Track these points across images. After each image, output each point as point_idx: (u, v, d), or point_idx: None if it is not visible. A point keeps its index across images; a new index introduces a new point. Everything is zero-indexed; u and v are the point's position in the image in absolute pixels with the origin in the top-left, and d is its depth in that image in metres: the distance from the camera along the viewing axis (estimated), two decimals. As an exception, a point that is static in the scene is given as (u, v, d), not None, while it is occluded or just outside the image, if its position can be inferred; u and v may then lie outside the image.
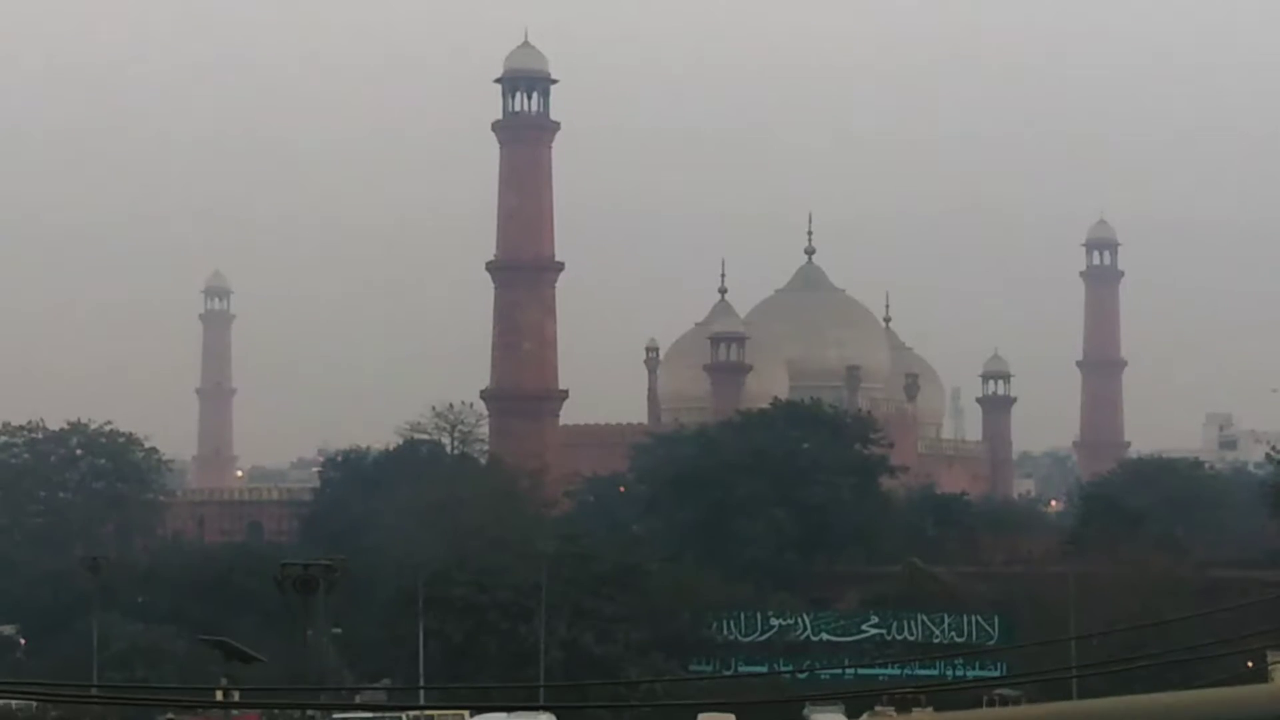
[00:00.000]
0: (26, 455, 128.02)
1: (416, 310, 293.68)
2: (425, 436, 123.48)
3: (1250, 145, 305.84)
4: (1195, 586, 74.61)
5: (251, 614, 78.36)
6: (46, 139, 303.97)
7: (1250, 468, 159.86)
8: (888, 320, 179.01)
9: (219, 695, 48.42)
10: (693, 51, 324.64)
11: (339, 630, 78.96)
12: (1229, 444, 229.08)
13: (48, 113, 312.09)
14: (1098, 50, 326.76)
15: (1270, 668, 51.53)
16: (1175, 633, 53.30)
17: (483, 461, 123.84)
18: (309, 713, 60.24)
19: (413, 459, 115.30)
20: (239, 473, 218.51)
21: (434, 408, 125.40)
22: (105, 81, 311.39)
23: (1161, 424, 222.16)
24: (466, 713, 64.32)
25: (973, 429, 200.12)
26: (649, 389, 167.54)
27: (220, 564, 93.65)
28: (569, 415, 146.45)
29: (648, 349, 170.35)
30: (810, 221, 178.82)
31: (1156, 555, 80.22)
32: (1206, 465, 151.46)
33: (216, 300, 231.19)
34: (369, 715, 67.33)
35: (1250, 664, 54.60)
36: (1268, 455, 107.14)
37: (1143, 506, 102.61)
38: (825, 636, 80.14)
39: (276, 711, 66.47)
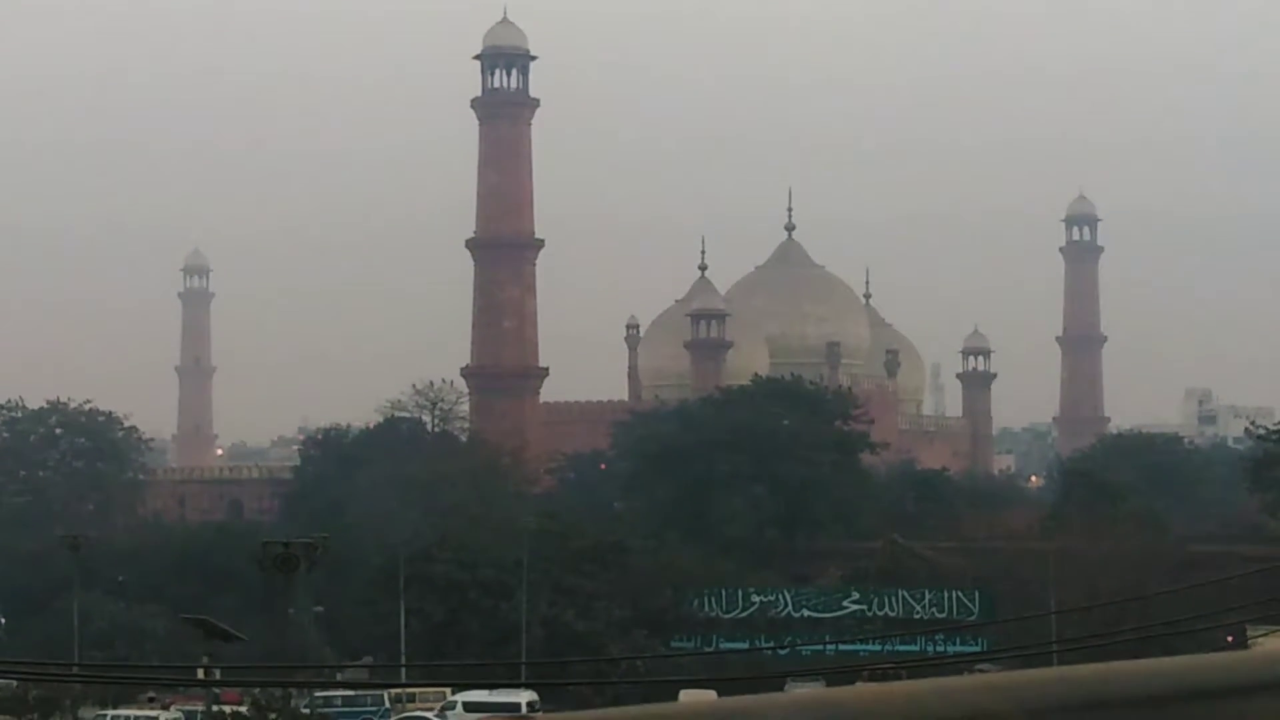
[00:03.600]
0: (6, 435, 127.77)
1: (396, 288, 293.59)
2: (406, 414, 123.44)
3: (1231, 124, 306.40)
4: (1175, 561, 74.76)
5: (233, 593, 78.34)
6: (28, 125, 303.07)
7: (1230, 442, 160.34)
8: (868, 296, 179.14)
9: (200, 674, 48.36)
10: (673, 28, 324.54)
11: (320, 609, 78.99)
12: (1208, 419, 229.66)
13: (31, 102, 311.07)
14: (1079, 31, 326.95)
15: (1249, 642, 51.71)
16: (1155, 607, 53.37)
17: (463, 439, 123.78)
18: (290, 691, 60.25)
19: (393, 437, 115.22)
20: (219, 451, 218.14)
21: (414, 385, 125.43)
22: (88, 70, 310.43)
23: (1141, 399, 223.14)
24: (448, 690, 64.38)
25: (953, 405, 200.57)
26: (629, 366, 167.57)
27: (201, 543, 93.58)
28: (550, 393, 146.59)
29: (628, 326, 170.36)
30: (790, 198, 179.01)
31: (1136, 530, 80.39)
32: (1186, 440, 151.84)
33: (195, 278, 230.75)
34: (350, 693, 67.41)
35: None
36: (1247, 430, 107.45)
37: (1122, 482, 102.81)
38: (806, 613, 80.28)
39: (258, 690, 66.45)
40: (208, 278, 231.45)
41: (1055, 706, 1.17)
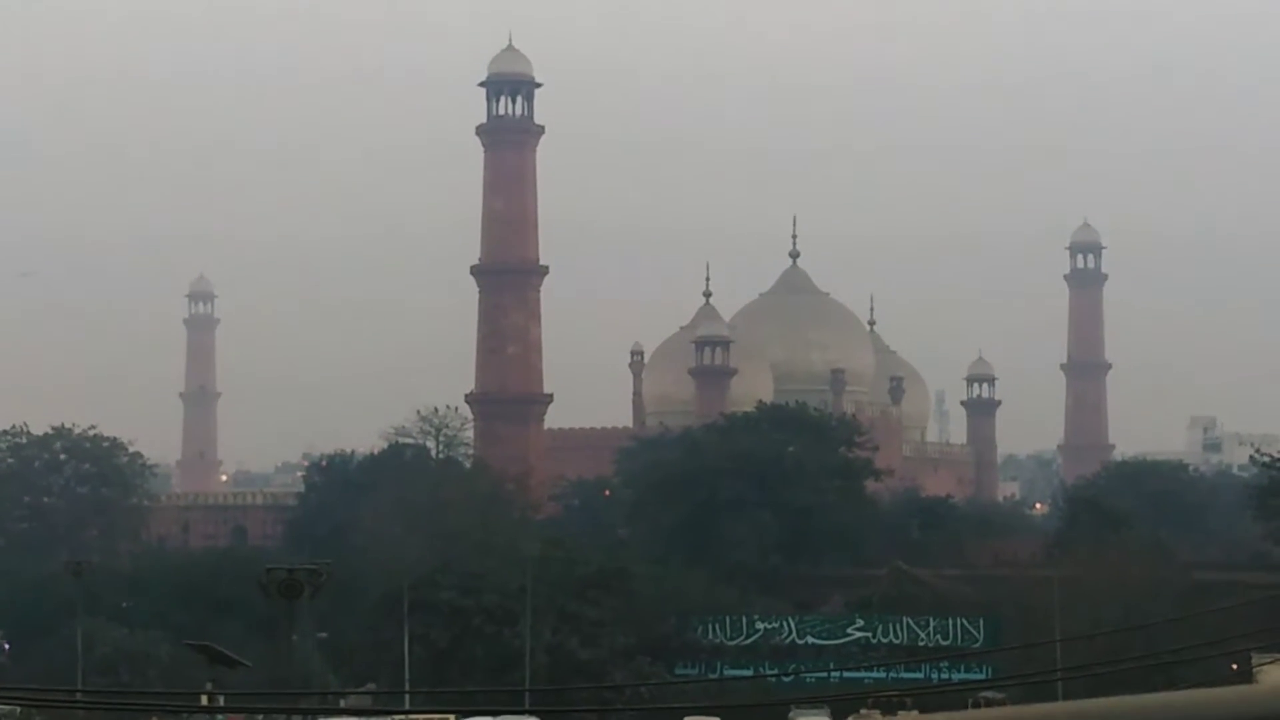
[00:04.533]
0: (10, 460, 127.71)
1: (401, 314, 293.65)
2: (410, 440, 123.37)
3: (1235, 151, 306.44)
4: (1180, 589, 74.64)
5: (236, 619, 78.24)
6: (30, 144, 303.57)
7: (1234, 470, 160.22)
8: (872, 324, 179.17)
9: (204, 700, 48.30)
10: (678, 55, 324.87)
11: (324, 635, 78.83)
12: (1213, 446, 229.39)
13: (31, 118, 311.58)
14: (1083, 57, 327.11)
15: (1255, 670, 51.60)
16: (1160, 635, 53.36)
17: (468, 465, 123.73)
18: (294, 718, 60.14)
19: (397, 463, 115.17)
20: (223, 477, 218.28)
21: (419, 411, 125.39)
22: (90, 87, 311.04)
23: (1146, 427, 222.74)
24: (452, 717, 64.24)
25: (957, 432, 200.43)
26: (634, 392, 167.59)
27: (205, 568, 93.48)
28: (554, 419, 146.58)
29: (632, 352, 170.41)
30: (795, 225, 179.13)
31: (1141, 558, 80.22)
32: (1191, 468, 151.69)
33: (201, 304, 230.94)
34: (354, 720, 67.29)
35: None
36: (1252, 458, 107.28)
37: (1127, 509, 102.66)
38: (810, 640, 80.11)
39: (261, 716, 66.38)
40: (213, 304, 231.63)
41: None
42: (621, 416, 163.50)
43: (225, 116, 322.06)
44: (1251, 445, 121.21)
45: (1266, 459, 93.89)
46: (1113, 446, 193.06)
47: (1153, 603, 68.22)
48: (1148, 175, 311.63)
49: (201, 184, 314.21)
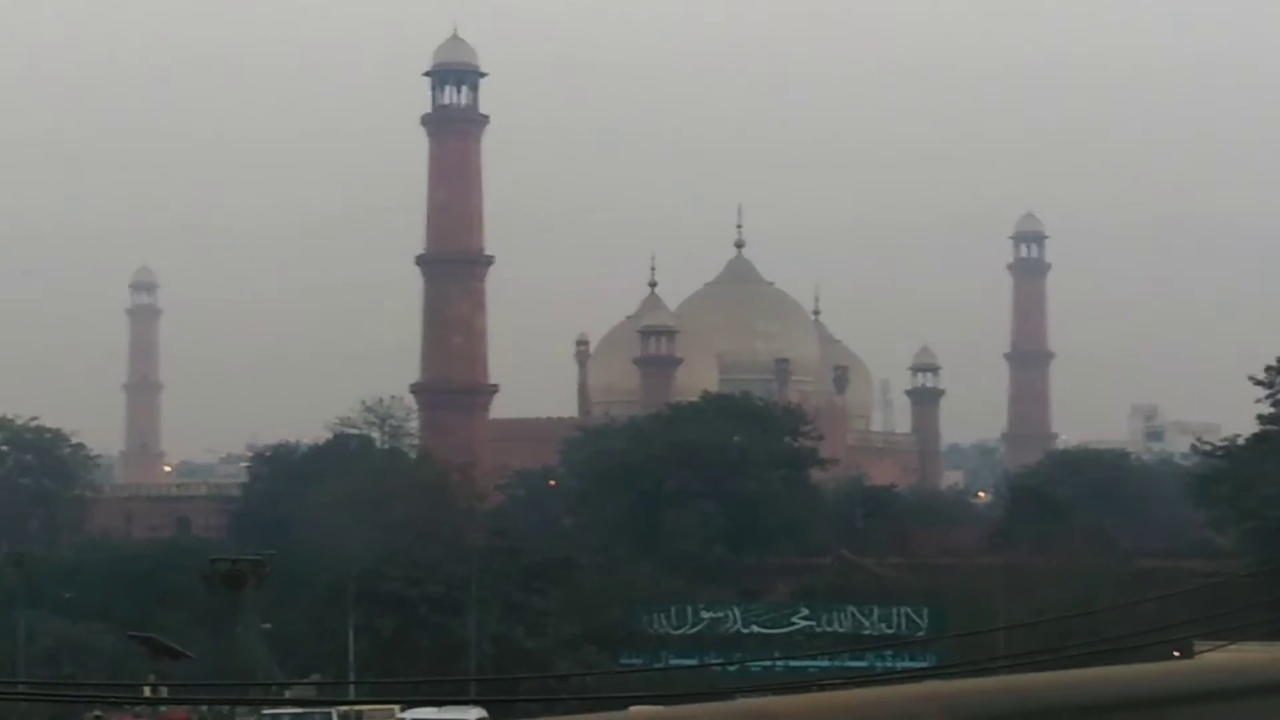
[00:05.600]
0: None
1: (345, 304, 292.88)
2: (355, 431, 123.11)
3: (1178, 140, 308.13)
4: (1122, 576, 75.08)
5: (180, 610, 77.96)
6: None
7: (1176, 458, 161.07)
8: (817, 313, 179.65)
9: (147, 691, 48.13)
10: (624, 45, 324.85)
11: (268, 626, 78.67)
12: (1155, 435, 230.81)
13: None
14: (1027, 48, 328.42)
15: (1197, 657, 51.93)
16: (1103, 623, 53.58)
17: (413, 456, 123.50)
18: (238, 709, 60.00)
19: (342, 453, 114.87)
20: (167, 468, 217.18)
21: (363, 402, 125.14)
22: (31, 76, 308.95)
23: (1088, 415, 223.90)
24: (397, 708, 64.15)
25: (902, 421, 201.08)
26: (579, 382, 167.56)
27: (148, 560, 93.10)
28: (499, 409, 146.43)
29: (578, 342, 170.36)
30: (740, 214, 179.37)
31: (1084, 546, 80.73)
32: (1133, 456, 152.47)
33: (144, 295, 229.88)
34: (299, 711, 67.13)
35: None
36: (1193, 446, 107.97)
37: (1070, 497, 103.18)
38: (755, 628, 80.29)
39: (205, 708, 66.21)
40: (156, 294, 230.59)
41: (981, 715, 1.17)
42: (567, 406, 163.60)
43: (169, 105, 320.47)
44: (1193, 434, 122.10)
45: (1208, 447, 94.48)
46: (1056, 435, 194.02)
47: (1095, 590, 68.64)
48: (1090, 165, 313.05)
49: (145, 173, 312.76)
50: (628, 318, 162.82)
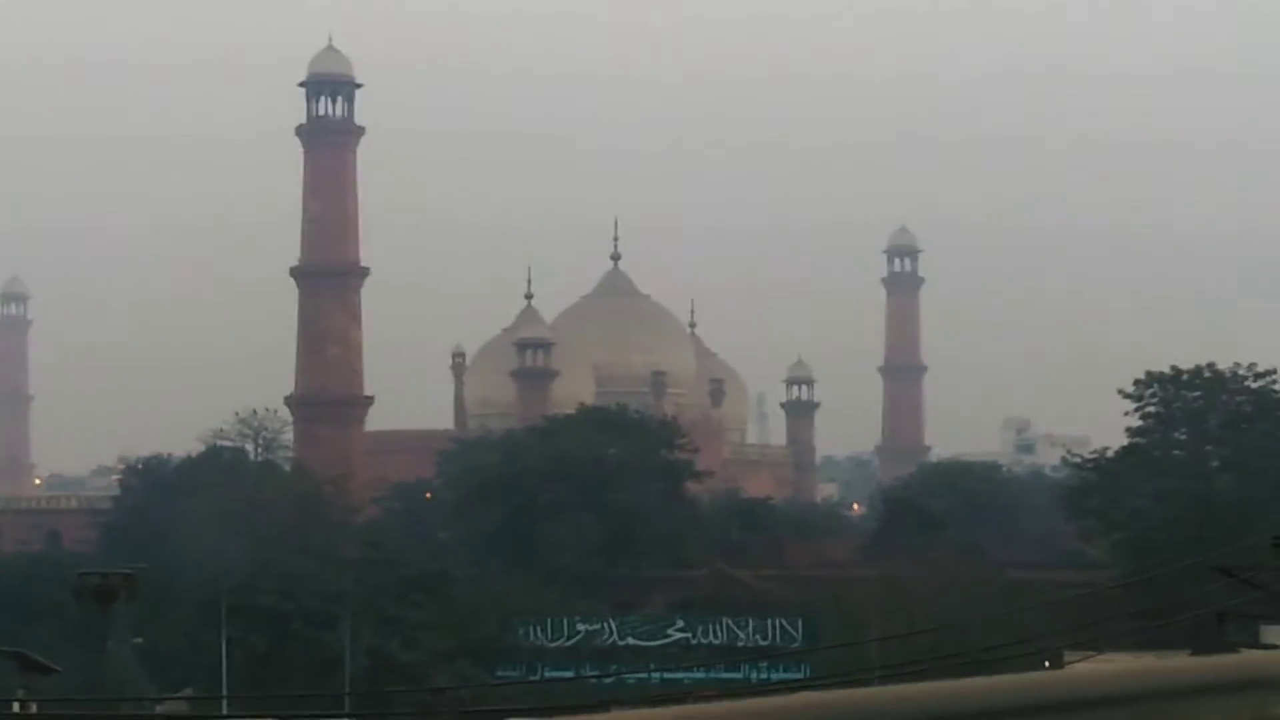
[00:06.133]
0: None
1: (219, 316, 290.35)
2: (228, 443, 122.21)
3: (1049, 151, 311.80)
4: (994, 588, 75.86)
5: (50, 625, 77.00)
6: None
7: (1047, 470, 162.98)
8: (693, 326, 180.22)
9: (16, 708, 47.49)
10: (501, 55, 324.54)
11: (140, 640, 77.87)
12: (1026, 447, 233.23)
13: None
14: (899, 60, 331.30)
15: (1066, 668, 52.54)
16: (975, 634, 54.13)
17: (287, 468, 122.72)
18: (109, 724, 59.24)
19: (215, 466, 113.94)
20: (37, 481, 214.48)
21: (237, 414, 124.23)
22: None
23: (961, 428, 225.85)
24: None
25: (777, 434, 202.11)
26: (455, 395, 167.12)
27: (16, 574, 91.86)
28: (375, 421, 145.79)
29: (454, 355, 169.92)
30: (616, 227, 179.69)
31: (956, 557, 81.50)
32: (1004, 469, 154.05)
33: (13, 306, 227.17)
34: (171, 726, 66.48)
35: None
36: (1064, 459, 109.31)
37: (942, 509, 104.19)
38: (631, 641, 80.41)
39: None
40: (26, 305, 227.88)
41: None
42: (443, 419, 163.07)
43: (38, 110, 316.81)
44: (1064, 446, 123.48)
45: (1078, 459, 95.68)
46: (929, 448, 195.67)
47: (968, 602, 69.28)
48: (964, 178, 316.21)
49: (14, 182, 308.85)
50: (504, 330, 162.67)
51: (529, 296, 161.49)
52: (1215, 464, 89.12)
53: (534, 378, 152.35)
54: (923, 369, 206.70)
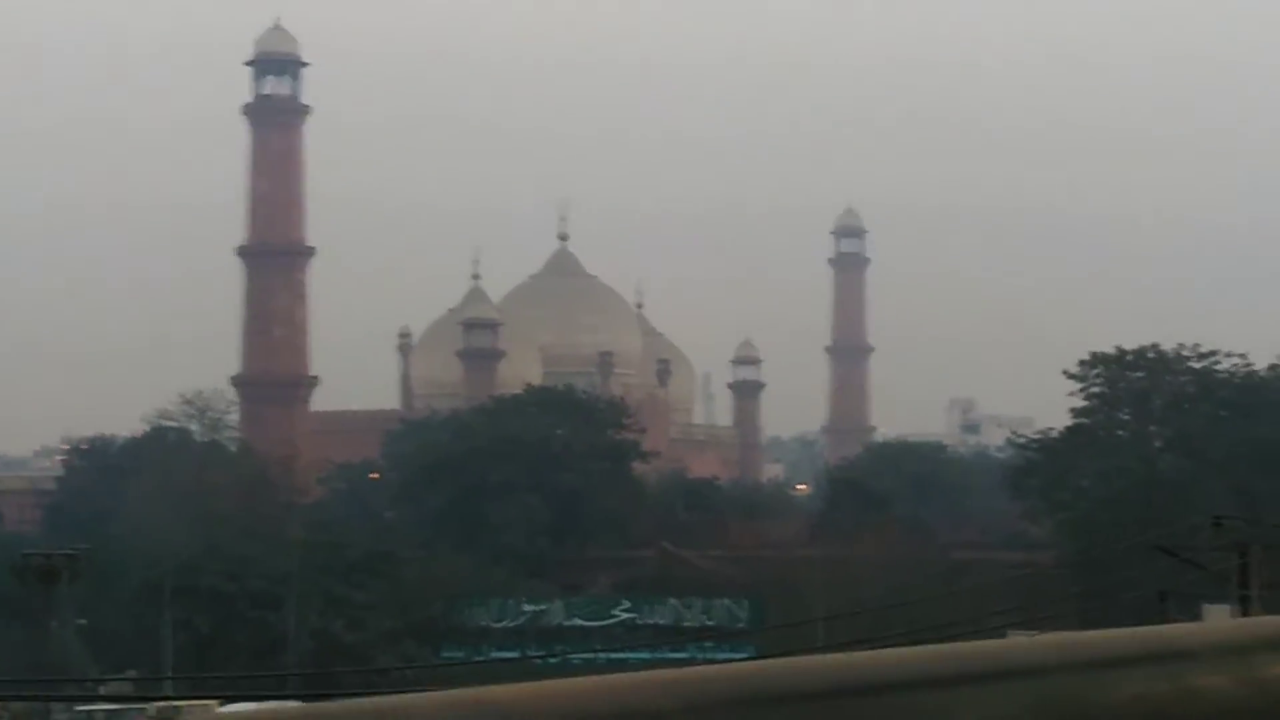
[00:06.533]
0: None
1: (164, 296, 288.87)
2: (173, 424, 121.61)
3: (996, 136, 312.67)
4: (939, 567, 76.20)
5: (-8, 606, 76.56)
6: None
7: (992, 451, 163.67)
8: (639, 306, 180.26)
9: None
10: (448, 35, 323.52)
11: (84, 621, 77.50)
12: (971, 428, 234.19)
13: None
14: (847, 42, 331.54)
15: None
16: (920, 613, 54.34)
17: (232, 449, 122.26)
18: (52, 705, 59.06)
19: (160, 446, 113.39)
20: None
21: (182, 394, 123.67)
22: None
23: (906, 409, 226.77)
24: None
25: (723, 414, 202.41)
26: (402, 375, 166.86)
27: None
28: (321, 402, 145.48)
29: (400, 335, 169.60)
30: (563, 208, 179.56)
31: (901, 537, 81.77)
32: (949, 449, 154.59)
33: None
34: (114, 707, 66.25)
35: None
36: (1008, 439, 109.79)
37: (888, 489, 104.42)
38: (577, 621, 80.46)
39: (18, 704, 64.95)
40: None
41: (719, 702, 1.14)
42: (389, 399, 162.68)
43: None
44: (1008, 427, 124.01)
45: (1022, 440, 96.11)
46: (874, 428, 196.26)
47: (912, 581, 69.53)
48: (910, 159, 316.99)
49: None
50: (450, 310, 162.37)
51: (476, 277, 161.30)
52: (1158, 444, 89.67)
53: (481, 358, 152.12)
54: (869, 350, 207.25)
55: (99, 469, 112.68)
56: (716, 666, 1.50)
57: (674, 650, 73.88)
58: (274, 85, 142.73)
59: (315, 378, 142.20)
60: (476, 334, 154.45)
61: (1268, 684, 1.68)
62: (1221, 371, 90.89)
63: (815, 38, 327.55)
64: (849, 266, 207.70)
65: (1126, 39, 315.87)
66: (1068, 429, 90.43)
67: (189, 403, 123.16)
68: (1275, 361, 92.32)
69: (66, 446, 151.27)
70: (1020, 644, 1.75)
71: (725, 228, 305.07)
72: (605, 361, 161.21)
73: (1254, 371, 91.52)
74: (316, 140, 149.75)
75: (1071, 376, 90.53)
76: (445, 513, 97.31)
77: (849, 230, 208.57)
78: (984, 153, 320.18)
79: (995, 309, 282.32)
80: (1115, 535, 67.77)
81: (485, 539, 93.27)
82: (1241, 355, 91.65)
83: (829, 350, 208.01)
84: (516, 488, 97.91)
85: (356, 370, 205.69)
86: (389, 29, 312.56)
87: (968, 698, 1.50)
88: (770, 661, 1.59)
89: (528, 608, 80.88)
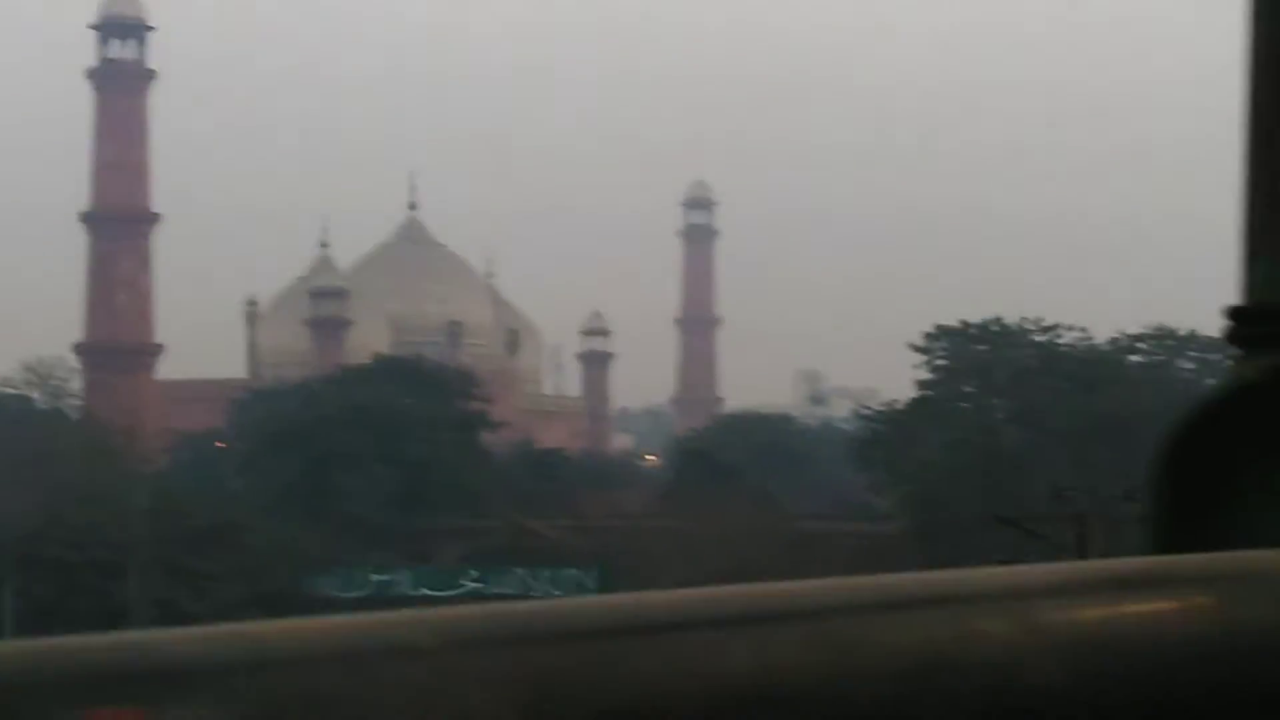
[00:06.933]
0: None
1: (3, 261, 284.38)
2: (13, 391, 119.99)
3: (844, 106, 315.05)
4: (786, 538, 76.89)
5: None
6: None
7: (838, 423, 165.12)
8: (490, 276, 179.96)
9: None
10: (298, 4, 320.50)
11: (-79, 591, 76.45)
12: (819, 400, 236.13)
13: None
14: (684, 18, 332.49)
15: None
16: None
17: (75, 417, 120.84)
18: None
19: (0, 415, 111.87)
20: None
21: (23, 361, 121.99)
22: None
23: (755, 380, 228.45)
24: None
25: (573, 385, 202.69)
26: (249, 344, 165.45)
27: None
28: (166, 370, 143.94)
29: (248, 303, 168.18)
30: (413, 175, 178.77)
31: (749, 507, 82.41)
32: (796, 420, 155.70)
33: None
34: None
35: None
36: (854, 410, 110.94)
37: (735, 460, 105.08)
38: (425, 591, 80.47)
39: None
40: None
41: (481, 639, 1.13)
42: (237, 368, 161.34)
43: None
44: (854, 399, 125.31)
45: (868, 411, 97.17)
46: (722, 400, 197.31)
47: (759, 551, 70.17)
48: (759, 132, 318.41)
49: None
50: (298, 279, 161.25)
51: (324, 245, 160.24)
52: (1001, 416, 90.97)
53: (328, 327, 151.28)
54: (717, 321, 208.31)
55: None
56: (486, 605, 1.47)
57: (522, 620, 74.12)
58: (119, 50, 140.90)
59: (160, 345, 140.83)
60: (324, 302, 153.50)
61: (1044, 628, 1.74)
62: (1063, 345, 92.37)
63: (660, 10, 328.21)
64: (698, 238, 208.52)
65: (971, 20, 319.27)
66: (912, 401, 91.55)
67: (30, 370, 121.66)
68: (1115, 336, 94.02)
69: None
70: (800, 586, 1.75)
71: (576, 198, 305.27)
72: (454, 331, 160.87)
73: (1095, 345, 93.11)
74: (163, 104, 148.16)
75: (916, 349, 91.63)
76: (292, 482, 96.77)
77: (698, 202, 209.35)
78: (833, 128, 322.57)
79: (845, 281, 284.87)
80: (959, 506, 68.84)
81: (332, 509, 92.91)
82: (1083, 329, 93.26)
83: (678, 322, 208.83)
84: (364, 457, 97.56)
85: (204, 338, 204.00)
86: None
87: (744, 638, 1.49)
88: (541, 601, 1.58)
89: (375, 578, 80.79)
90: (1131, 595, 1.85)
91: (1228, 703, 1.96)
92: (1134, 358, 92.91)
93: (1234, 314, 2.17)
